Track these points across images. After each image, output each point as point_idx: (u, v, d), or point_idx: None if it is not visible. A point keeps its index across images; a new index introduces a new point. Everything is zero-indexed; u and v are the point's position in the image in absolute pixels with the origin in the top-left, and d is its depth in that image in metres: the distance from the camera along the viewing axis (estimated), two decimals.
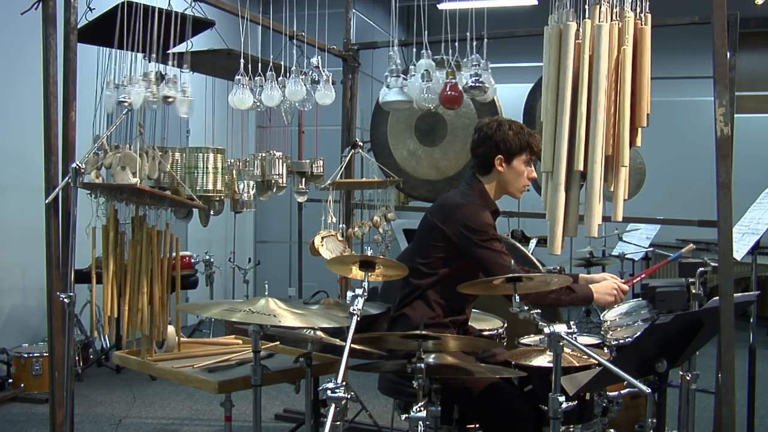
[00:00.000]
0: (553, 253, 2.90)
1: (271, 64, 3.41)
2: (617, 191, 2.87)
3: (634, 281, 3.26)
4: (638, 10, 2.86)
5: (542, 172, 2.96)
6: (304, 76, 3.49)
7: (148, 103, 3.12)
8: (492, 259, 2.84)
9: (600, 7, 2.82)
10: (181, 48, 3.33)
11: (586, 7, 2.84)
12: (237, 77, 3.37)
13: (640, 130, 2.88)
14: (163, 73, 3.17)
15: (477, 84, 3.21)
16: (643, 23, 2.86)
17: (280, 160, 3.77)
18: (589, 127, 2.81)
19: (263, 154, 3.78)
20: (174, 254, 3.27)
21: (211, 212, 3.48)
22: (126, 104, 3.08)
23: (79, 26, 3.05)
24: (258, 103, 3.45)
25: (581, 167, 2.82)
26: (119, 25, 3.07)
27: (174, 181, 3.30)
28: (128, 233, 3.20)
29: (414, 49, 3.39)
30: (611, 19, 2.83)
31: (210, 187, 3.36)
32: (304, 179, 3.93)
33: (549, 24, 2.94)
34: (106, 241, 3.13)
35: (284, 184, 3.82)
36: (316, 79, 3.51)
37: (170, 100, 3.14)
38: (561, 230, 2.87)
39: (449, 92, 3.28)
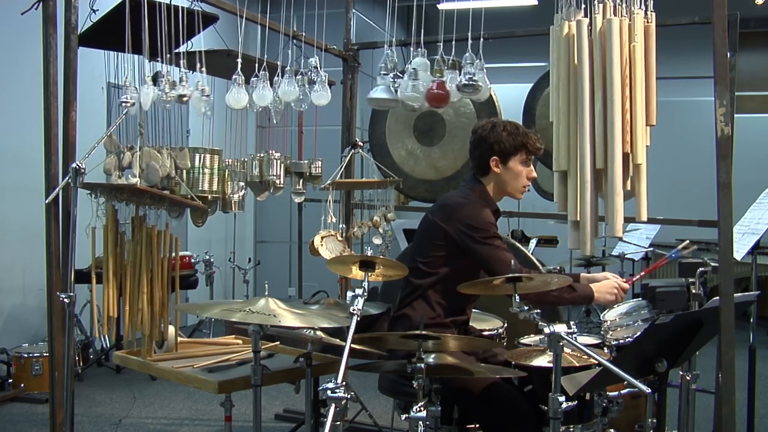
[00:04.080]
0: (585, 254, 2.90)
1: (264, 63, 3.41)
2: (639, 189, 2.86)
3: (634, 280, 3.26)
4: (643, 8, 2.86)
5: (554, 171, 2.95)
6: (300, 77, 3.49)
7: (162, 102, 3.12)
8: (493, 256, 2.84)
9: (605, 6, 2.82)
10: (182, 48, 3.33)
11: (595, 2, 2.84)
12: (234, 77, 3.37)
13: (648, 128, 2.88)
14: (164, 73, 3.17)
15: (470, 82, 3.20)
16: (648, 21, 2.86)
17: (278, 161, 3.76)
18: (606, 124, 2.80)
19: (261, 155, 3.78)
20: (174, 254, 3.27)
21: (209, 211, 3.48)
22: (128, 105, 3.08)
23: (82, 29, 3.05)
24: (252, 103, 3.45)
25: (601, 165, 2.82)
26: (124, 25, 3.07)
27: (171, 181, 3.30)
28: (128, 233, 3.20)
29: (417, 49, 3.38)
30: (620, 16, 2.83)
31: (206, 187, 3.37)
32: (302, 180, 3.92)
33: (555, 22, 2.93)
34: (106, 241, 3.13)
35: (281, 185, 3.81)
36: (313, 79, 3.51)
37: (185, 99, 3.14)
38: (591, 229, 2.86)
39: (436, 90, 3.27)
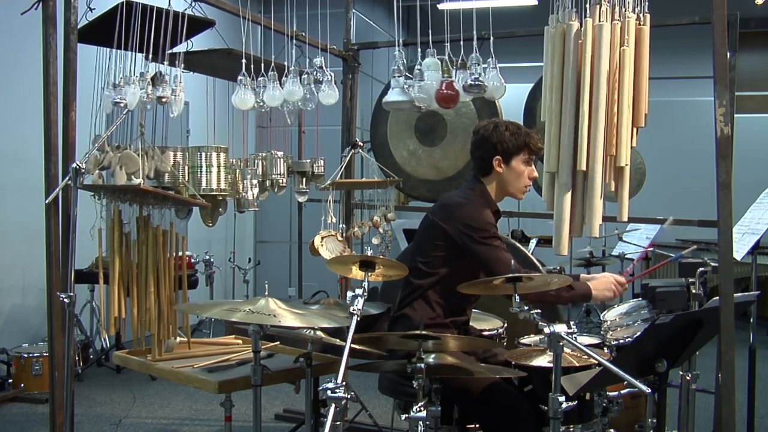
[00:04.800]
0: (559, 254, 2.91)
1: (273, 64, 3.41)
2: (622, 191, 2.87)
3: (633, 278, 3.26)
4: (637, 9, 2.86)
5: (545, 172, 2.96)
6: (306, 76, 3.49)
7: (143, 103, 3.11)
8: (492, 256, 2.84)
9: (600, 7, 2.82)
10: (181, 48, 3.33)
11: (587, 6, 2.84)
12: (239, 77, 3.37)
13: (636, 129, 2.88)
14: (162, 73, 3.17)
15: (476, 83, 3.20)
16: (642, 23, 2.86)
17: (281, 160, 3.77)
18: (591, 126, 2.81)
19: (264, 154, 3.78)
20: (180, 253, 3.27)
21: (220, 210, 3.48)
22: (122, 104, 3.08)
23: (79, 26, 3.05)
24: (260, 104, 3.44)
25: (584, 167, 2.82)
26: (119, 24, 3.07)
27: (177, 180, 3.29)
28: (133, 233, 3.20)
29: (418, 49, 3.39)
30: (612, 19, 2.83)
31: (214, 186, 3.35)
32: (304, 179, 3.93)
33: (550, 24, 2.94)
34: (112, 242, 3.13)
35: (285, 184, 3.82)
36: (320, 79, 3.51)
37: (164, 100, 3.13)
38: (567, 230, 2.86)
39: (445, 91, 3.27)
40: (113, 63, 3.20)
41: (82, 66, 3.04)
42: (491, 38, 3.23)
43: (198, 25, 3.38)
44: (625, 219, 2.92)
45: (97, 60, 3.27)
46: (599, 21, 2.82)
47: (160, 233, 3.19)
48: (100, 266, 3.17)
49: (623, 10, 2.83)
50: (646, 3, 2.87)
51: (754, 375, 3.82)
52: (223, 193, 3.39)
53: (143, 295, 3.17)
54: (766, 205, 3.93)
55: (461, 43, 3.26)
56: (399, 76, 3.36)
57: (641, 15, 2.87)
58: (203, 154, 3.33)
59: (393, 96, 3.37)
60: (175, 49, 3.29)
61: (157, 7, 3.15)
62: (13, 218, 5.52)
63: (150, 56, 3.13)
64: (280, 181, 3.77)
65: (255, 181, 3.67)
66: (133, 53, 3.18)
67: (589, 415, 2.80)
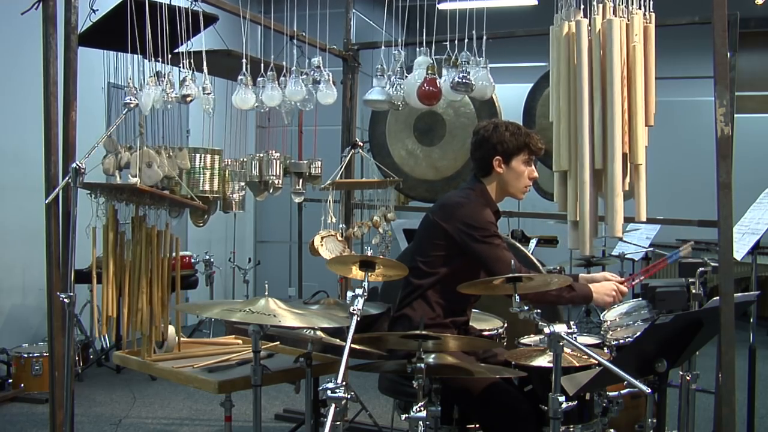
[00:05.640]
0: (585, 254, 2.91)
1: (272, 64, 3.41)
2: (639, 190, 2.87)
3: (633, 282, 3.26)
4: (642, 8, 2.87)
5: (554, 171, 2.95)
6: (305, 77, 3.50)
7: (165, 103, 3.12)
8: (493, 255, 2.84)
9: (605, 6, 2.82)
10: (180, 48, 3.33)
11: (594, 4, 2.84)
12: (240, 77, 3.37)
13: (647, 129, 2.89)
14: (164, 73, 3.17)
15: (464, 81, 3.19)
16: (648, 21, 2.87)
17: (278, 161, 3.76)
18: (606, 125, 2.81)
19: (260, 155, 3.78)
20: (174, 254, 3.27)
21: (210, 212, 3.49)
22: (131, 105, 3.09)
23: (82, 29, 3.05)
24: (257, 105, 3.45)
25: (601, 165, 2.82)
26: (124, 25, 3.06)
27: (171, 181, 3.30)
28: (128, 233, 3.20)
29: (417, 49, 3.38)
30: (619, 17, 2.83)
31: (206, 187, 3.37)
32: (301, 180, 3.92)
33: (555, 22, 2.94)
34: (107, 241, 3.14)
35: (280, 185, 3.81)
36: (318, 79, 3.51)
37: (189, 99, 3.14)
38: (590, 230, 2.86)
39: (426, 88, 3.24)
40: (120, 64, 3.21)
41: (82, 66, 3.04)
42: (484, 38, 3.22)
43: (201, 21, 3.38)
44: (644, 219, 2.92)
45: (104, 61, 3.26)
46: (606, 18, 2.82)
47: (155, 234, 3.20)
48: (94, 265, 3.17)
49: (630, 7, 2.84)
50: (650, 1, 2.87)
51: (754, 375, 3.82)
52: (214, 194, 3.41)
53: (135, 296, 3.17)
54: (766, 205, 3.93)
55: (455, 42, 3.25)
56: (381, 76, 3.37)
57: (647, 13, 2.87)
58: (198, 155, 3.35)
59: (374, 95, 3.38)
60: (177, 49, 3.29)
61: (159, 3, 3.15)
62: (13, 218, 5.52)
63: (158, 56, 3.12)
64: (276, 182, 3.76)
65: (242, 184, 3.68)
66: (138, 54, 3.18)
67: (589, 415, 2.80)
